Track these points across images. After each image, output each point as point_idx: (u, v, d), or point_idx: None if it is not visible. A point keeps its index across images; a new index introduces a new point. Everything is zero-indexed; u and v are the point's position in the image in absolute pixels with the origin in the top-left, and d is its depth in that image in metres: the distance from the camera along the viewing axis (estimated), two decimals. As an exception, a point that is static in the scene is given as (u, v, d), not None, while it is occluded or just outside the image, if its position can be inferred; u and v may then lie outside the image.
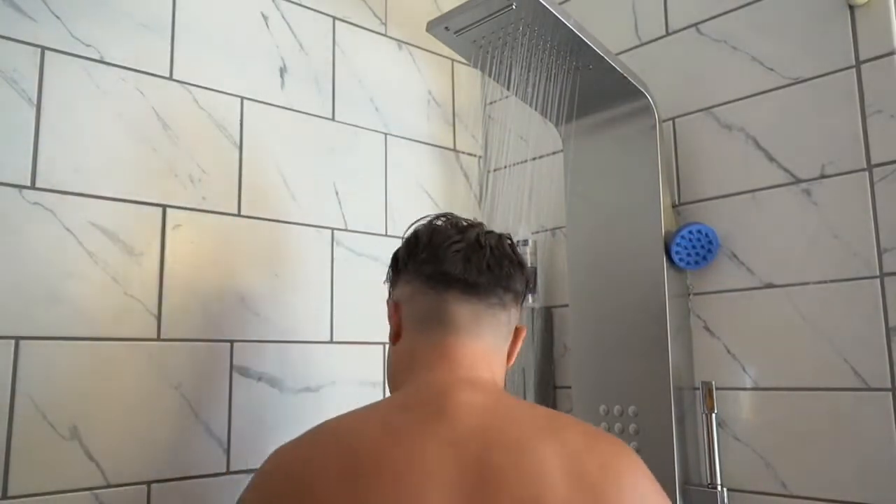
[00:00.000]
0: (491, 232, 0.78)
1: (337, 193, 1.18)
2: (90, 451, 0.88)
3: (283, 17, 1.15)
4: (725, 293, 1.04)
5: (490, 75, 1.03)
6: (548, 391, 1.24)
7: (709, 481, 0.99)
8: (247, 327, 1.04)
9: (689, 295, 1.08)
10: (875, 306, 0.90)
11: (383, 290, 0.86)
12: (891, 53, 0.91)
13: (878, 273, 0.90)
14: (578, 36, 0.94)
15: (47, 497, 0.85)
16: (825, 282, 0.95)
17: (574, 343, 1.15)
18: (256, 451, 1.01)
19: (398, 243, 0.85)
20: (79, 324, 0.90)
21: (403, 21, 1.32)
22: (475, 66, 1.02)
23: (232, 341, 1.03)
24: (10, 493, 0.82)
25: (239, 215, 1.06)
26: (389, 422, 0.65)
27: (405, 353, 0.76)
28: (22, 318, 0.86)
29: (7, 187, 0.86)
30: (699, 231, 1.03)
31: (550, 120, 1.16)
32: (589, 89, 1.05)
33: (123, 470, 0.91)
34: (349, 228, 1.19)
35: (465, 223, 0.78)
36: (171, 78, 1.02)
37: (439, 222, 0.78)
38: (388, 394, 1.16)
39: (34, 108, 0.90)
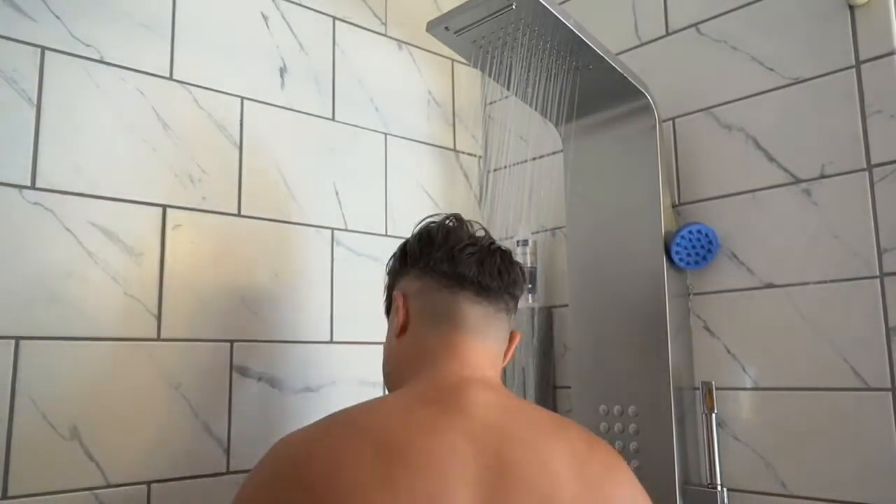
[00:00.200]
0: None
1: (337, 193, 1.18)
2: (90, 451, 0.88)
3: (283, 17, 1.15)
4: (725, 293, 1.04)
5: (490, 75, 1.03)
6: (548, 391, 1.24)
7: (709, 481, 0.99)
8: (247, 327, 1.04)
9: (689, 295, 1.08)
10: (875, 306, 0.90)
11: (383, 287, 0.87)
12: (891, 53, 0.91)
13: (878, 273, 0.90)
14: (578, 36, 0.94)
15: (47, 497, 0.85)
16: (825, 282, 0.95)
17: (574, 343, 1.15)
18: (256, 451, 1.01)
19: (398, 243, 0.85)
20: (79, 324, 0.90)
21: (403, 21, 1.32)
22: (475, 66, 1.02)
23: (232, 341, 1.03)
24: (10, 493, 0.82)
25: (239, 215, 1.06)
26: (413, 414, 0.67)
27: (412, 346, 0.77)
28: (22, 318, 0.86)
29: (7, 187, 0.86)
30: (699, 231, 1.03)
31: (550, 120, 1.16)
32: (589, 89, 1.05)
33: (123, 470, 0.91)
34: (349, 228, 1.19)
35: (476, 228, 0.81)
36: (171, 78, 1.02)
37: (450, 223, 0.80)
38: (387, 392, 1.17)
39: (34, 108, 0.90)
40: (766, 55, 1.03)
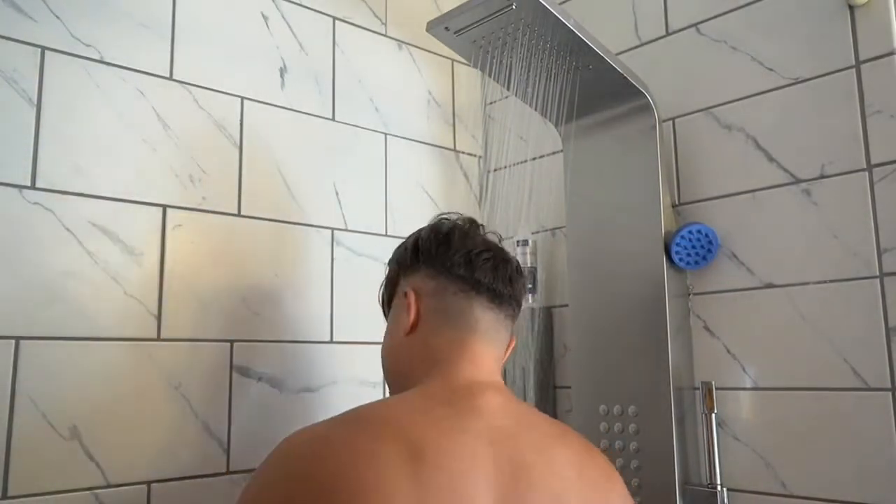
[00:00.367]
0: None
1: (337, 193, 1.18)
2: (90, 451, 0.88)
3: (283, 17, 1.15)
4: (725, 293, 1.04)
5: (490, 75, 1.03)
6: (548, 391, 1.23)
7: (709, 481, 0.99)
8: (247, 327, 1.04)
9: (689, 295, 1.08)
10: (875, 306, 0.90)
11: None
12: (891, 53, 0.91)
13: (878, 273, 0.90)
14: (578, 36, 0.94)
15: (47, 497, 0.85)
16: (825, 282, 0.95)
17: (574, 343, 1.15)
18: (256, 451, 1.01)
19: (398, 243, 0.85)
20: (79, 324, 0.90)
21: (403, 21, 1.32)
22: (475, 66, 1.02)
23: (232, 341, 1.03)
24: (10, 493, 0.82)
25: (239, 215, 1.06)
26: (431, 414, 0.67)
27: (422, 346, 0.77)
28: (22, 318, 0.86)
29: (7, 187, 0.86)
30: (699, 231, 1.03)
31: (550, 120, 1.16)
32: (589, 89, 1.05)
33: (123, 470, 0.91)
34: (349, 228, 1.19)
35: (486, 232, 0.83)
36: (171, 78, 1.02)
37: (465, 225, 0.81)
38: (386, 393, 1.17)
39: (34, 108, 0.90)
40: (766, 55, 1.03)
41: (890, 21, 0.91)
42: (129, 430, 0.92)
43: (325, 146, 1.18)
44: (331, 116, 1.20)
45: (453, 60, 1.39)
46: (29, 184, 0.88)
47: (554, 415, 1.22)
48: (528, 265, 1.24)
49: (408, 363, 0.78)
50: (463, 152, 1.39)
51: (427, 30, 0.98)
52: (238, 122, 1.08)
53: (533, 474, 0.66)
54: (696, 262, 1.04)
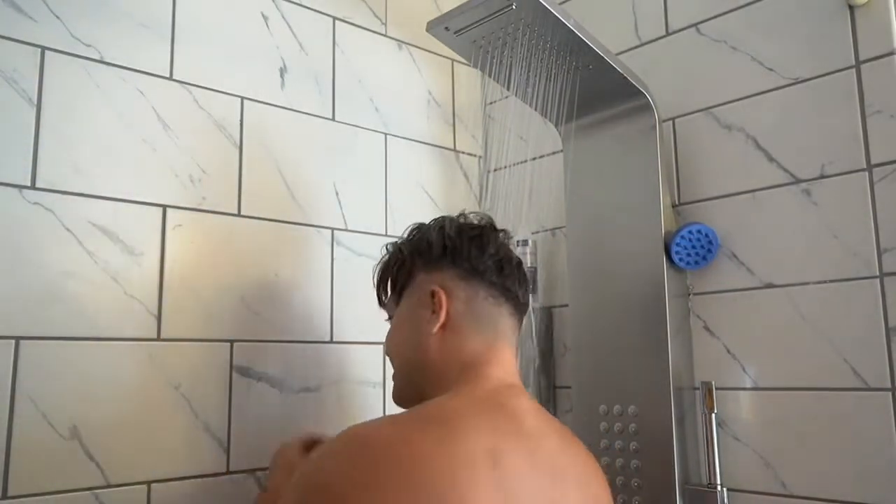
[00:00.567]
0: None
1: (337, 193, 1.18)
2: (90, 451, 0.88)
3: (283, 17, 1.15)
4: (725, 293, 1.04)
5: (490, 75, 1.03)
6: (548, 391, 1.24)
7: (709, 481, 0.99)
8: (247, 327, 1.04)
9: (689, 295, 1.08)
10: (875, 306, 0.90)
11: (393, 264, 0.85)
12: (891, 53, 0.91)
13: (878, 273, 0.90)
14: (578, 36, 0.94)
15: (47, 497, 0.85)
16: (825, 282, 0.95)
17: (574, 343, 1.15)
18: (256, 451, 1.01)
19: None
20: (79, 324, 0.90)
21: (403, 21, 1.32)
22: (475, 66, 1.02)
23: (232, 341, 1.03)
24: (10, 493, 0.82)
25: (239, 215, 1.06)
26: (486, 418, 0.69)
27: (454, 348, 0.77)
28: (22, 318, 0.86)
29: (7, 187, 0.86)
30: (699, 231, 1.03)
31: (550, 120, 1.16)
32: (589, 89, 1.05)
33: (123, 470, 0.91)
34: (349, 228, 1.19)
35: (505, 237, 0.85)
36: (171, 78, 1.02)
37: (489, 227, 0.83)
38: (387, 393, 1.17)
39: (34, 108, 0.90)
40: (766, 55, 1.03)
41: (890, 21, 0.91)
42: (129, 430, 0.92)
43: (325, 146, 1.18)
44: (331, 116, 1.20)
45: (453, 60, 1.39)
46: (29, 184, 0.88)
47: (554, 415, 1.22)
48: (528, 265, 1.24)
49: (439, 361, 0.78)
50: (463, 152, 1.39)
51: (427, 30, 0.98)
52: (238, 122, 1.08)
53: (569, 475, 0.70)
54: (696, 262, 1.04)
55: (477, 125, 1.43)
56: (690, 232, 1.03)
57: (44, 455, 0.85)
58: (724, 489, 0.99)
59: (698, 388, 1.04)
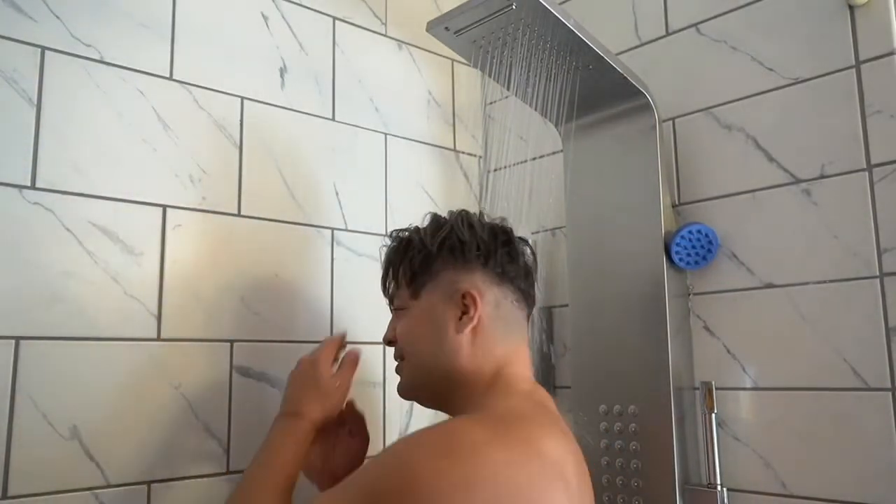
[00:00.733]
0: None
1: (337, 193, 1.18)
2: (90, 451, 0.88)
3: (283, 17, 1.15)
4: (725, 293, 1.04)
5: (490, 75, 1.03)
6: (548, 391, 1.23)
7: (709, 481, 0.99)
8: (247, 327, 1.04)
9: (689, 295, 1.08)
10: (875, 306, 0.90)
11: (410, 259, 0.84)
12: (891, 53, 0.91)
13: (878, 273, 0.90)
14: (578, 36, 0.94)
15: (47, 497, 0.85)
16: (825, 282, 0.95)
17: (574, 343, 1.15)
18: (256, 451, 1.01)
19: (398, 243, 0.85)
20: (79, 324, 0.90)
21: (403, 21, 1.32)
22: (475, 66, 1.02)
23: (232, 341, 1.03)
24: (10, 493, 0.82)
25: (239, 215, 1.06)
26: (547, 421, 0.72)
27: (486, 351, 0.78)
28: (22, 318, 0.86)
29: (7, 187, 0.86)
30: (699, 231, 1.03)
31: (550, 120, 1.16)
32: (589, 89, 1.05)
33: (123, 470, 0.91)
34: (349, 228, 1.19)
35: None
36: (171, 78, 1.02)
37: (512, 230, 0.85)
38: (388, 393, 1.17)
39: (34, 108, 0.90)
40: (766, 55, 1.03)
41: (890, 21, 0.91)
42: (129, 430, 0.92)
43: (325, 146, 1.18)
44: (331, 116, 1.19)
45: (453, 60, 1.39)
46: (29, 184, 0.88)
47: (554, 415, 1.22)
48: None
49: (469, 363, 0.78)
50: (463, 152, 1.39)
51: (427, 30, 0.98)
52: (238, 122, 1.08)
53: (587, 475, 0.73)
54: (696, 262, 1.04)
55: (477, 125, 1.43)
56: (690, 232, 1.03)
57: (44, 455, 0.85)
58: (724, 489, 0.99)
59: (698, 388, 1.04)
